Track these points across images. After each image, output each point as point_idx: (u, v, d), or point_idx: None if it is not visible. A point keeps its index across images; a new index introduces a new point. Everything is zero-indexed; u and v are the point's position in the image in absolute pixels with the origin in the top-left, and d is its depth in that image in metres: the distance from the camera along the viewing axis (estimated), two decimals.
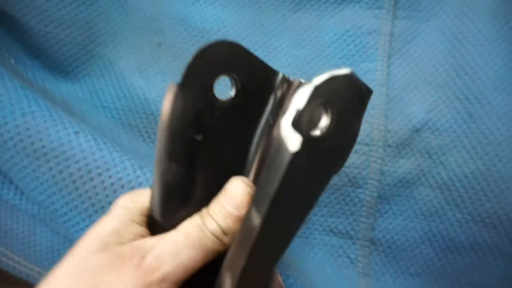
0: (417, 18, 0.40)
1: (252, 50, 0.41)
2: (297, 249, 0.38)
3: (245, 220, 0.21)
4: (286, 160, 0.16)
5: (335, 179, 0.38)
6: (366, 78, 0.39)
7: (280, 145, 0.17)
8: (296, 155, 0.16)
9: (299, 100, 0.17)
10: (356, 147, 0.38)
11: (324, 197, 0.39)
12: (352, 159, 0.38)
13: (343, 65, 0.40)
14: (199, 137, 0.23)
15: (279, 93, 0.25)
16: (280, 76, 0.26)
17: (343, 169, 0.38)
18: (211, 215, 0.22)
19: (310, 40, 0.41)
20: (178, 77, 0.27)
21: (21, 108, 0.30)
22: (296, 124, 0.17)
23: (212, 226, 0.22)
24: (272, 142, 0.22)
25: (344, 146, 0.21)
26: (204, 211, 0.23)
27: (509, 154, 0.36)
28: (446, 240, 0.38)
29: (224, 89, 0.24)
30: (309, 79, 0.17)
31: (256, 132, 0.26)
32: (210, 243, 0.22)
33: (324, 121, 0.18)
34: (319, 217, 0.39)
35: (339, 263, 0.39)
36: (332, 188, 0.39)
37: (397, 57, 0.40)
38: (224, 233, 0.22)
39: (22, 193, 0.33)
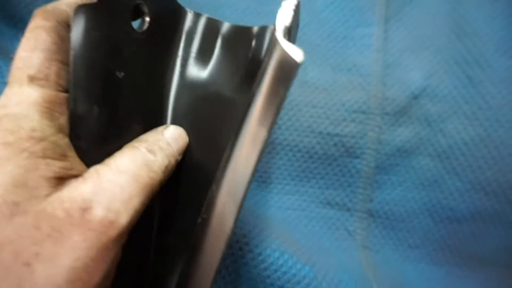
0: None
1: (243, 15, 0.39)
2: (293, 223, 0.37)
3: (241, 135, 0.20)
4: (294, 71, 0.17)
5: (332, 150, 0.37)
6: (362, 44, 0.38)
7: (282, 60, 0.18)
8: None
9: (286, 17, 0.19)
10: (352, 115, 0.37)
11: (320, 169, 0.38)
12: (349, 128, 0.37)
13: (338, 30, 0.38)
14: (120, 74, 0.20)
15: (191, 31, 0.25)
16: (189, 14, 0.25)
17: (339, 138, 0.37)
18: (160, 149, 0.20)
19: (303, 5, 0.38)
20: None
21: None
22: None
23: (162, 161, 0.20)
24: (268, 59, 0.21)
25: None
26: (146, 144, 0.20)
27: (511, 119, 0.35)
28: (446, 210, 0.37)
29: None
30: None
31: (171, 74, 0.25)
32: (157, 180, 0.19)
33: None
34: (316, 189, 0.38)
35: (337, 236, 0.37)
36: (328, 159, 0.37)
37: (394, 21, 0.38)
38: (166, 170, 0.20)
39: None
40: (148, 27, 0.22)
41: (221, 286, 0.29)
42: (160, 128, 0.22)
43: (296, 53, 0.17)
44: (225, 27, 0.25)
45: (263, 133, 0.18)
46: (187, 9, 0.25)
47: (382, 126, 0.37)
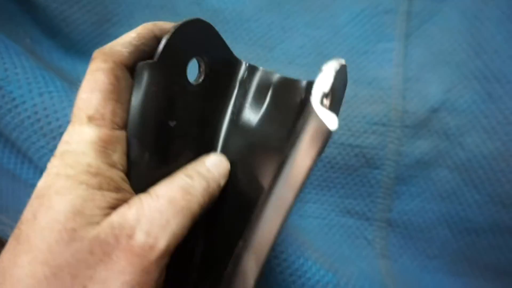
0: None
1: (267, 30, 0.41)
2: (314, 231, 0.38)
3: (272, 195, 0.20)
4: (326, 138, 0.17)
5: (352, 160, 0.38)
6: (383, 58, 0.39)
7: (316, 127, 0.17)
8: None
9: (324, 83, 0.18)
10: (373, 127, 0.38)
11: (341, 178, 0.39)
12: (369, 139, 0.38)
13: (359, 45, 0.39)
14: (172, 123, 0.22)
15: (245, 83, 0.26)
16: (243, 65, 0.26)
17: (360, 149, 0.38)
18: (198, 173, 0.21)
19: (325, 20, 0.40)
20: None
21: (39, 87, 0.29)
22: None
23: (199, 184, 0.20)
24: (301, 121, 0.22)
25: None
26: (185, 170, 0.21)
27: None
28: (464, 221, 0.38)
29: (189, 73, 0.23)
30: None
31: (223, 120, 0.26)
32: (197, 206, 0.20)
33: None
34: (336, 198, 0.39)
35: (357, 244, 0.38)
36: (349, 169, 0.38)
37: (415, 36, 0.39)
38: (206, 192, 0.21)
39: (41, 172, 0.32)
40: (204, 79, 0.24)
41: None
42: (202, 158, 0.23)
43: (330, 120, 0.17)
44: (276, 78, 0.25)
45: (289, 199, 0.18)
46: (242, 61, 0.26)
47: (402, 138, 0.38)
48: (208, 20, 0.25)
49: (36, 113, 0.29)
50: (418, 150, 0.38)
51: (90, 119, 0.19)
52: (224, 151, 0.25)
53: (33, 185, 0.33)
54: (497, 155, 0.36)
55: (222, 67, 0.25)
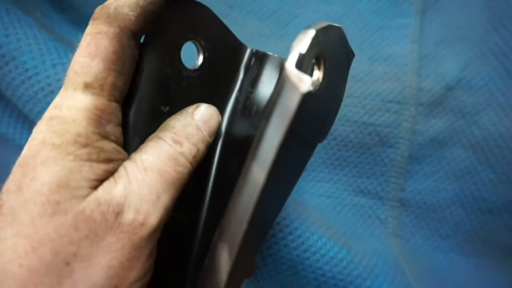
0: None
1: (280, 5, 0.40)
2: (326, 209, 0.38)
3: (242, 180, 0.17)
4: (296, 101, 0.14)
5: (366, 139, 0.38)
6: (398, 34, 0.38)
7: (286, 88, 0.15)
8: (306, 96, 0.14)
9: (300, 44, 0.15)
10: (387, 105, 0.37)
11: (354, 157, 0.38)
12: (383, 117, 0.37)
13: (374, 21, 0.39)
14: (165, 108, 0.21)
15: (252, 70, 0.24)
16: (248, 51, 0.24)
17: (373, 127, 0.37)
18: (187, 137, 0.19)
19: None
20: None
21: (52, 59, 0.29)
22: (299, 69, 0.15)
23: (189, 151, 0.19)
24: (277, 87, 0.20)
25: (330, 110, 0.20)
26: (172, 133, 0.19)
27: None
28: (478, 201, 0.37)
29: (188, 59, 0.22)
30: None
31: (225, 108, 0.24)
32: (188, 175, 0.19)
33: (315, 76, 0.17)
34: (349, 177, 0.39)
35: (370, 223, 0.38)
36: (362, 148, 0.38)
37: (431, 12, 0.38)
38: (195, 159, 0.19)
39: None
40: (202, 65, 0.22)
41: (262, 267, 0.30)
42: (190, 109, 0.21)
43: (303, 82, 0.14)
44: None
45: (260, 181, 0.16)
46: (247, 46, 0.24)
47: (416, 117, 0.37)
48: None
49: (50, 84, 0.29)
50: (432, 129, 0.37)
51: (87, 86, 0.17)
52: (226, 139, 0.24)
53: None
54: None
55: (223, 52, 0.23)
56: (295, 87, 0.14)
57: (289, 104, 0.14)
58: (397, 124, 0.37)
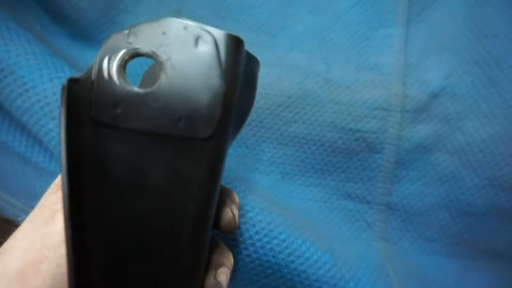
0: None
1: (270, 16, 0.41)
2: (314, 213, 0.39)
3: None
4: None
5: (353, 145, 0.39)
6: (384, 44, 0.39)
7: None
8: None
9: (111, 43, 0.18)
10: (374, 112, 0.38)
11: (342, 163, 0.39)
12: (370, 124, 0.38)
13: (360, 31, 0.40)
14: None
15: None
16: None
17: (360, 134, 0.39)
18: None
19: (327, 6, 0.40)
20: None
21: (49, 73, 0.30)
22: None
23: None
24: None
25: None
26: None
27: None
28: (463, 205, 0.38)
29: None
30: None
31: None
32: None
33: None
34: (337, 182, 0.40)
35: (357, 227, 0.39)
36: (350, 153, 0.39)
37: (416, 22, 0.39)
38: None
39: (51, 155, 0.34)
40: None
41: (248, 270, 0.31)
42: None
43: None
44: None
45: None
46: None
47: (402, 123, 0.39)
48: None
49: (46, 97, 0.30)
50: (418, 135, 0.39)
51: None
52: None
53: (43, 168, 0.35)
54: (496, 139, 0.37)
55: None
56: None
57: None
58: (384, 131, 0.39)
